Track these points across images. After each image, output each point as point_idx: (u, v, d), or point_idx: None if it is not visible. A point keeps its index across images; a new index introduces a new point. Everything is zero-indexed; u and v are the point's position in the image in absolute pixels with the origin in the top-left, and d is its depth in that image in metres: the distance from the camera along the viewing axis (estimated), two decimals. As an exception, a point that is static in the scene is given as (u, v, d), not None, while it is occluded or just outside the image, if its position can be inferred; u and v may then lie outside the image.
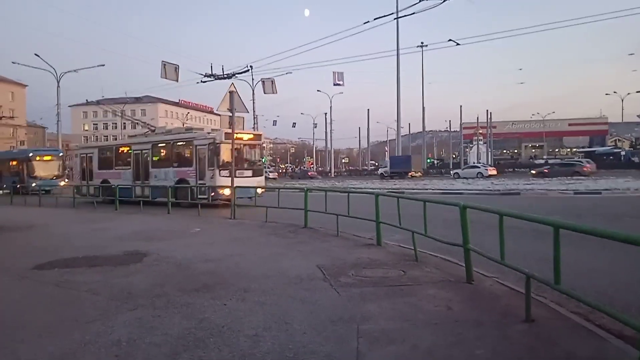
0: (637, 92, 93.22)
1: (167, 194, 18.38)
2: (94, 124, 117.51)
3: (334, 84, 33.62)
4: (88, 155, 26.29)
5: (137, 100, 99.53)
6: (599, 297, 5.23)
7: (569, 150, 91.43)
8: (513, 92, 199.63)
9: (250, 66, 23.72)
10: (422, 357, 3.81)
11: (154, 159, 22.51)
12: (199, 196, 19.20)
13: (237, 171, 17.69)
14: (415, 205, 7.84)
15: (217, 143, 19.26)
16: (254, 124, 19.26)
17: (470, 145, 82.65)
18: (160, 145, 22.73)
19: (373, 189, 28.09)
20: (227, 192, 17.37)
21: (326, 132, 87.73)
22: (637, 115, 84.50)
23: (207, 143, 19.68)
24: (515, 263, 5.02)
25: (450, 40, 19.74)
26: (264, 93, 28.95)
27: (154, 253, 8.67)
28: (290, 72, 47.22)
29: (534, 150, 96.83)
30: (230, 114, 14.82)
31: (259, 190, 18.52)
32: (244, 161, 20.82)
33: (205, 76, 24.08)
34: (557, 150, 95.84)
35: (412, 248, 7.85)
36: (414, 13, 16.21)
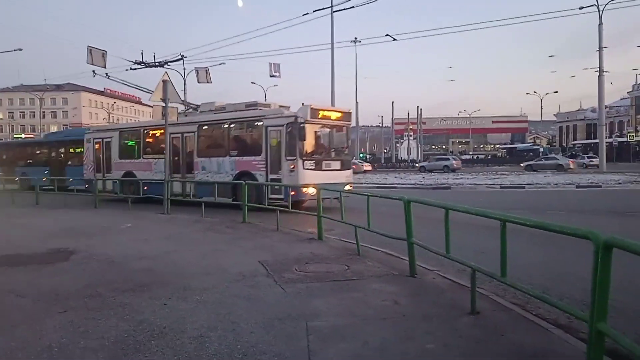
0: (555, 92, 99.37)
1: (221, 192, 14.22)
2: (9, 112, 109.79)
3: (270, 76, 33.28)
4: (105, 140, 20.87)
5: (58, 87, 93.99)
6: (535, 288, 5.45)
7: (492, 146, 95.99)
8: (443, 89, 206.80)
9: (183, 55, 22.88)
10: (375, 354, 3.76)
11: (201, 145, 17.25)
12: (272, 196, 13.84)
13: (324, 162, 14.89)
14: (359, 200, 7.84)
15: (301, 123, 14.22)
16: (185, 115, 17.66)
17: (401, 141, 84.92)
18: (210, 126, 17.45)
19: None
20: (311, 190, 12.75)
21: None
22: (554, 115, 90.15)
23: (284, 123, 14.52)
24: (456, 256, 5.12)
25: (387, 35, 20.01)
26: (198, 82, 28.11)
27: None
28: (224, 63, 46.33)
29: (460, 146, 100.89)
30: (164, 104, 14.23)
31: (348, 187, 15.03)
32: (332, 149, 15.87)
33: (135, 63, 22.81)
34: (481, 146, 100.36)
35: (353, 242, 7.86)
36: (352, 7, 16.15)
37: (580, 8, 23.62)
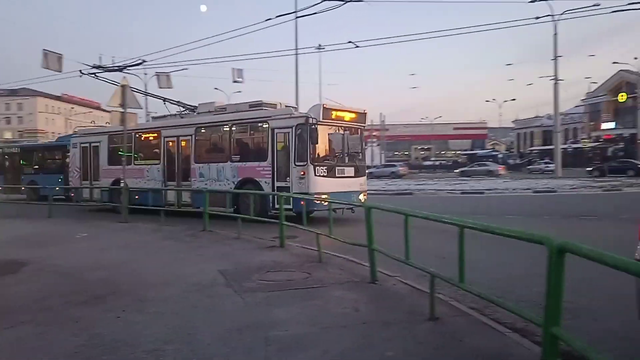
0: (513, 99, 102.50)
1: (219, 201, 12.61)
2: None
3: (234, 81, 33.03)
4: (92, 145, 19.06)
5: (13, 92, 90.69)
6: (493, 293, 5.52)
7: (453, 152, 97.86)
8: (407, 96, 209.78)
9: (143, 59, 22.33)
10: (334, 363, 3.72)
11: (199, 150, 15.73)
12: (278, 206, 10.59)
13: (337, 168, 13.51)
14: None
15: (312, 125, 12.70)
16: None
17: (365, 147, 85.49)
18: (209, 129, 15.79)
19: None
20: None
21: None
22: (512, 121, 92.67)
23: (293, 125, 13.03)
24: (417, 262, 5.14)
25: (349, 42, 20.03)
26: (159, 87, 27.55)
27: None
28: (187, 68, 45.60)
29: (422, 152, 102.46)
30: (122, 110, 13.88)
31: (362, 197, 13.78)
32: (345, 154, 14.37)
33: (92, 67, 22.12)
34: (443, 152, 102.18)
35: (315, 249, 7.81)
36: (315, 13, 16.13)
37: (537, 18, 24.36)
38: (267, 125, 13.78)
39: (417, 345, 3.99)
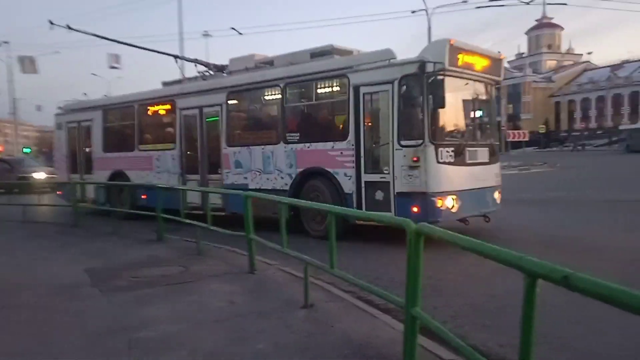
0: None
1: (267, 204, 7.80)
2: None
3: (110, 67, 30.82)
4: (82, 124, 13.99)
5: None
6: (370, 276, 5.69)
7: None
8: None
9: (5, 41, 19.95)
10: (202, 362, 3.56)
11: (234, 126, 10.64)
12: (367, 211, 7.97)
13: (469, 150, 8.28)
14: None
15: (434, 75, 7.60)
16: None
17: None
18: (249, 93, 10.45)
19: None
20: (449, 203, 7.75)
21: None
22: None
23: (396, 78, 7.87)
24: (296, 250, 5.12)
25: (232, 28, 19.44)
26: (23, 73, 24.98)
27: None
28: (59, 52, 42.03)
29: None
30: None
31: (496, 195, 9.01)
32: (476, 125, 9.12)
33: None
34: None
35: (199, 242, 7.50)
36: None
37: (413, 12, 25.48)
38: (345, 82, 8.56)
39: (289, 335, 3.94)
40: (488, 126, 9.28)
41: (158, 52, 13.53)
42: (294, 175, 9.21)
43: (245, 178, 9.98)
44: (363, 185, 8.24)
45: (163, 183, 10.51)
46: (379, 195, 7.99)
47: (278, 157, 9.46)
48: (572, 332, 4.08)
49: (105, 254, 7.52)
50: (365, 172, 8.24)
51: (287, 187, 9.23)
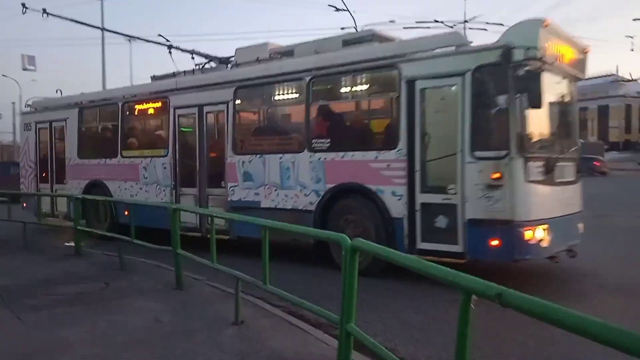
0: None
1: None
2: None
3: (23, 69, 28.95)
4: (55, 125, 11.95)
5: None
6: (301, 291, 5.64)
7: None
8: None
9: None
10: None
11: (242, 129, 8.89)
12: (423, 245, 6.38)
13: (558, 166, 6.45)
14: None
15: (523, 64, 5.77)
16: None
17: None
18: (263, 89, 8.66)
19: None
20: (542, 236, 5.94)
21: (14, 125, 75.55)
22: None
23: (469, 69, 6.06)
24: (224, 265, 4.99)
25: (160, 35, 18.77)
26: None
27: None
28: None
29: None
30: None
31: (581, 224, 7.04)
32: (562, 132, 7.32)
33: None
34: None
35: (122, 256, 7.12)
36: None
37: (342, 28, 25.93)
38: (395, 74, 6.74)
39: (219, 354, 3.80)
40: (568, 132, 7.41)
41: (149, 41, 11.83)
42: (321, 193, 7.30)
43: (257, 194, 8.01)
44: (418, 208, 6.37)
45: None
46: (441, 221, 6.19)
47: (301, 168, 7.54)
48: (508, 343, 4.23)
49: (15, 272, 6.96)
50: (421, 192, 6.37)
51: (312, 207, 7.35)
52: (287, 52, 8.68)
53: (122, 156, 10.21)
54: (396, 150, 6.61)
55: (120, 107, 10.34)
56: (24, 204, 12.14)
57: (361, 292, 5.37)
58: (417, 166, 6.42)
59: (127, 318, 4.78)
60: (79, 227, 7.20)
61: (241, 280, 4.55)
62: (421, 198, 6.37)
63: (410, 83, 6.50)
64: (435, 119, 6.55)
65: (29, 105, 13.06)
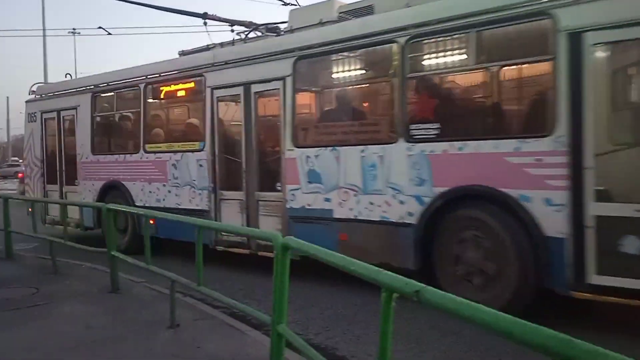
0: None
1: (376, 246, 5.55)
2: None
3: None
4: (64, 114, 9.91)
5: None
6: (246, 290, 5.58)
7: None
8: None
9: None
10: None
11: (305, 113, 7.04)
12: (598, 275, 4.20)
13: None
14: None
15: None
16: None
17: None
18: (334, 61, 6.31)
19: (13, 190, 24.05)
20: None
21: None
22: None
23: None
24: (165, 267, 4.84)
25: (100, 27, 17.87)
26: None
27: None
28: None
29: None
30: None
31: None
32: None
33: None
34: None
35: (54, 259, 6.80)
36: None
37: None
38: (547, 26, 4.55)
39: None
40: None
41: (183, 12, 9.33)
42: (426, 200, 5.22)
43: (328, 200, 6.03)
44: (590, 223, 4.27)
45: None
46: (631, 244, 4.10)
47: (393, 165, 5.48)
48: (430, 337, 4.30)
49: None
50: (596, 199, 4.26)
51: (411, 220, 5.31)
52: (364, 9, 6.60)
53: (146, 151, 8.26)
54: (552, 137, 4.46)
55: (142, 90, 8.35)
56: (29, 209, 9.35)
57: (306, 288, 5.44)
58: (589, 161, 4.26)
59: (56, 324, 4.57)
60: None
61: (177, 282, 4.43)
62: (595, 209, 4.25)
63: (575, 37, 4.33)
64: (620, 90, 4.56)
65: (33, 92, 10.92)
